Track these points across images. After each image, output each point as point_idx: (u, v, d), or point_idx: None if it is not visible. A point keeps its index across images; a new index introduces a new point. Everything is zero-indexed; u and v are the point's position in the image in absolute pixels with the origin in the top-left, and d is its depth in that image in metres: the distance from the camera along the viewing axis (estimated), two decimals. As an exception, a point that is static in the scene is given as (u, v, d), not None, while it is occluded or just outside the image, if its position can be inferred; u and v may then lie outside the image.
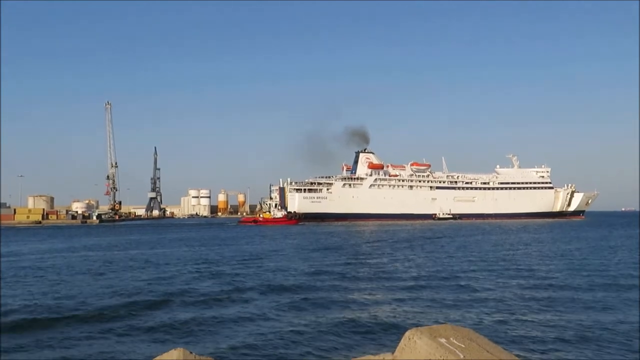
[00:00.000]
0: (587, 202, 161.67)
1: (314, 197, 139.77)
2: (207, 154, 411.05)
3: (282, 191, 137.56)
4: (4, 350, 15.12)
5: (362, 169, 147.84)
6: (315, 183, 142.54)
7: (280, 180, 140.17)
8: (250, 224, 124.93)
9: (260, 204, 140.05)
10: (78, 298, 22.84)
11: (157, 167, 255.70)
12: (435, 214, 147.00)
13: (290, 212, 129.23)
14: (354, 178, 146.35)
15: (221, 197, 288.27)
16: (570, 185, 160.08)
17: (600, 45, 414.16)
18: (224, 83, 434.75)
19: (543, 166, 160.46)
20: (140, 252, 49.59)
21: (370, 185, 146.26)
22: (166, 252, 49.01)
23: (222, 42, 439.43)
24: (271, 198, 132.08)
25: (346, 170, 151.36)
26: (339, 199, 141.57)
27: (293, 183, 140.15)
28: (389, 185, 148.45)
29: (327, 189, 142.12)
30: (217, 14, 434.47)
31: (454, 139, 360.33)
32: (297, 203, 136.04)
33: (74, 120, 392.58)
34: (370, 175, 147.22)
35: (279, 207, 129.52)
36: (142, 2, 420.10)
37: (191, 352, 6.31)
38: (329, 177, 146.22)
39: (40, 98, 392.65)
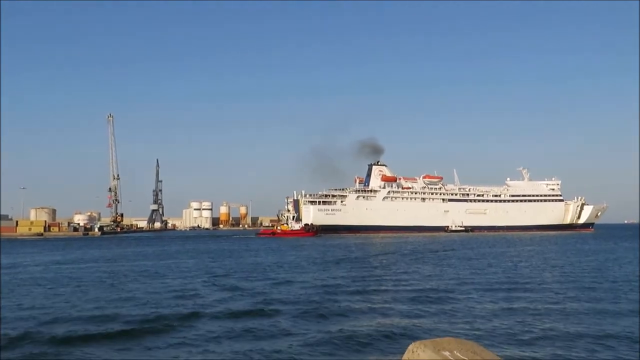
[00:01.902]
0: (597, 215, 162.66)
1: (328, 210, 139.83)
2: (208, 166, 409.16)
3: (296, 203, 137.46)
4: None
5: (375, 182, 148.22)
6: (329, 195, 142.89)
7: (294, 192, 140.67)
8: (269, 236, 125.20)
9: (278, 217, 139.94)
10: (96, 317, 21.56)
11: (159, 179, 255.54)
12: (448, 226, 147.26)
13: (307, 224, 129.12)
14: (368, 190, 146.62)
15: (223, 209, 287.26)
16: (580, 197, 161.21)
17: (611, 56, 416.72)
18: (226, 95, 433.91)
19: (553, 179, 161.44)
20: (152, 263, 49.44)
21: (384, 198, 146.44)
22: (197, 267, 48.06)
23: (226, 54, 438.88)
24: (289, 210, 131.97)
25: (359, 183, 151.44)
26: (353, 211, 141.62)
27: (307, 195, 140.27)
28: (402, 198, 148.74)
29: (342, 201, 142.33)
30: (223, 25, 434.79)
31: (464, 152, 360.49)
32: (312, 215, 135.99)
33: (76, 132, 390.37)
34: (384, 187, 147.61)
35: (296, 219, 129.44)
36: (145, 14, 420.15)
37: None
38: (343, 189, 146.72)
39: (42, 110, 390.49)
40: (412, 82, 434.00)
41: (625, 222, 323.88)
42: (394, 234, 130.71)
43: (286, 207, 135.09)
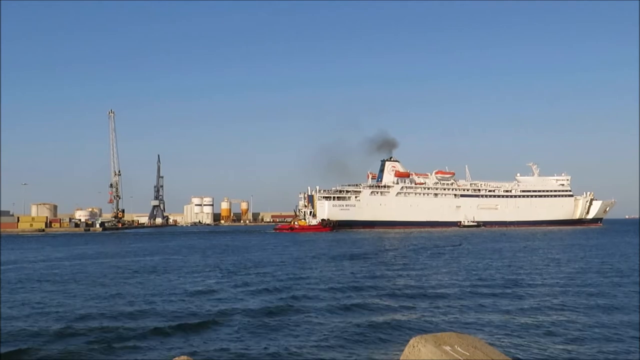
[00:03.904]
0: (605, 210, 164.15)
1: (342, 205, 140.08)
2: (210, 162, 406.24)
3: (310, 199, 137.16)
4: None
5: (388, 177, 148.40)
6: (343, 191, 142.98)
7: (309, 188, 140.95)
8: (286, 231, 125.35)
9: (295, 212, 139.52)
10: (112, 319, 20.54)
11: (161, 175, 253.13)
12: (461, 222, 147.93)
13: (324, 220, 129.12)
14: (382, 186, 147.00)
15: (224, 205, 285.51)
16: (588, 193, 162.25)
17: (621, 51, 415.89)
18: (227, 91, 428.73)
19: (563, 174, 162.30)
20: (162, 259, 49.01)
21: (397, 193, 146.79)
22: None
23: (228, 49, 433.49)
24: (305, 206, 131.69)
25: (371, 179, 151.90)
26: (366, 206, 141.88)
27: (321, 191, 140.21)
28: (415, 193, 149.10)
29: (356, 197, 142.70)
30: (225, 19, 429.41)
31: (474, 147, 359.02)
32: (327, 211, 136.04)
33: (78, 128, 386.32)
34: (397, 183, 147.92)
35: (313, 215, 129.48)
36: (146, 10, 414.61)
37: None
38: (357, 184, 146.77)
39: (43, 106, 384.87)
40: (420, 78, 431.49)
41: (627, 217, 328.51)
42: (408, 229, 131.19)
43: (302, 202, 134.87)
